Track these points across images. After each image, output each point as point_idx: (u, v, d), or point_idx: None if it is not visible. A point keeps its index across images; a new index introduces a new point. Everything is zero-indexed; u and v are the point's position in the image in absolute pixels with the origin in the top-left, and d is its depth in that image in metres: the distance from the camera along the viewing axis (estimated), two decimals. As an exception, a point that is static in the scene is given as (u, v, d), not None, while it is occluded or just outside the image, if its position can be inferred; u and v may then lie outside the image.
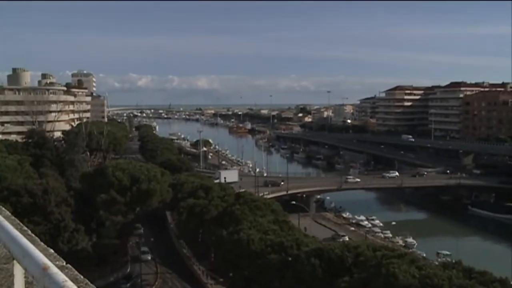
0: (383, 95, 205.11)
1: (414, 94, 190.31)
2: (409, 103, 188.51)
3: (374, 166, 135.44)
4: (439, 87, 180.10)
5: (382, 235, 77.60)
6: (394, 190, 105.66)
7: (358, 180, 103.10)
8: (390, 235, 77.07)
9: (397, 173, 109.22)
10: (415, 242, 72.94)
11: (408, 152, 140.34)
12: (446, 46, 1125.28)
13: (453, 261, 35.11)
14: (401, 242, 73.21)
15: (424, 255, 61.89)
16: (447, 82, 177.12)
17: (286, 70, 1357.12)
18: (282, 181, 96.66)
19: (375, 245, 40.17)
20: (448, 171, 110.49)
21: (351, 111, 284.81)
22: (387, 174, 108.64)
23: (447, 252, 65.70)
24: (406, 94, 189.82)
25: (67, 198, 48.89)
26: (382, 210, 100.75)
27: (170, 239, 64.76)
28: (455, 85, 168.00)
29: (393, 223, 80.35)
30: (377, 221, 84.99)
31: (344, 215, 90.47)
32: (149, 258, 56.37)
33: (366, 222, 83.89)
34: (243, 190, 71.90)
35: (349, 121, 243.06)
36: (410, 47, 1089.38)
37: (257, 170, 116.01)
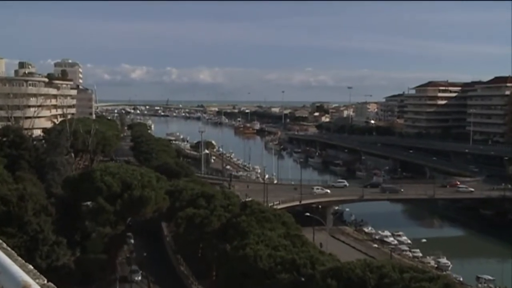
0: (413, 91, 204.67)
1: (450, 91, 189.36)
2: (443, 102, 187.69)
3: (401, 174, 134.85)
4: (480, 82, 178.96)
5: (411, 254, 77.27)
6: (425, 202, 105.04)
7: (402, 190, 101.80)
8: (420, 254, 76.68)
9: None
10: (449, 263, 72.43)
11: (441, 158, 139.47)
12: (490, 34, 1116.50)
13: (497, 287, 34.66)
14: (433, 263, 72.73)
15: (461, 279, 61.51)
16: (490, 77, 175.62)
17: (301, 62, 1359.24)
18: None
19: (402, 265, 39.76)
20: (489, 181, 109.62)
21: (375, 110, 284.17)
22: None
23: (490, 277, 65.06)
24: (440, 91, 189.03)
25: (47, 206, 48.84)
26: (410, 225, 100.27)
27: (165, 254, 64.66)
28: (500, 81, 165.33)
29: (424, 240, 79.86)
30: (404, 238, 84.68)
31: (366, 229, 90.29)
32: (139, 278, 56.25)
33: (391, 239, 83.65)
34: (250, 199, 71.86)
35: (372, 121, 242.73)
36: (446, 35, 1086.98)
37: (266, 176, 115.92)
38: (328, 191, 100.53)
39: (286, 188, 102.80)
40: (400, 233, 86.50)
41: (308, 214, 75.73)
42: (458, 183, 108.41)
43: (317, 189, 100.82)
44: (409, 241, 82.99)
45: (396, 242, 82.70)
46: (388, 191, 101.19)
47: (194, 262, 56.97)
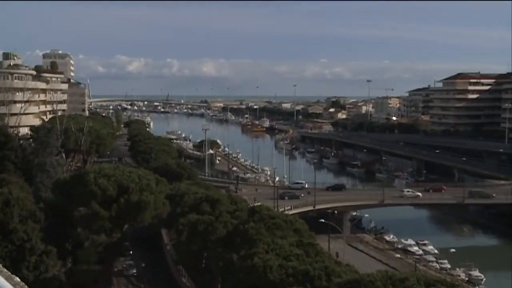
0: (439, 85, 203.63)
1: (482, 84, 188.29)
2: (474, 96, 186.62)
3: (426, 176, 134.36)
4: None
5: (438, 266, 76.92)
6: (454, 208, 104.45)
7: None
8: (449, 266, 76.32)
9: None
10: (482, 276, 72.04)
11: (472, 158, 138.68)
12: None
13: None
14: (463, 276, 72.40)
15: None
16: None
17: (315, 53, 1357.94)
18: (308, 192, 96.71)
19: (428, 278, 39.46)
20: None
21: (397, 105, 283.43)
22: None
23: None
24: (470, 83, 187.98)
25: (35, 211, 48.95)
26: (437, 233, 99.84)
27: (166, 265, 64.77)
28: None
29: (453, 250, 79.43)
30: (430, 247, 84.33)
31: (387, 237, 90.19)
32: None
33: (416, 248, 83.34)
34: (258, 203, 71.75)
35: (394, 118, 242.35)
36: (478, 21, 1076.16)
37: (277, 179, 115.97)
38: (420, 194, 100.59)
39: (299, 191, 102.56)
40: (426, 242, 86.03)
41: (322, 220, 75.52)
42: (445, 187, 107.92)
43: (408, 191, 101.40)
44: (436, 251, 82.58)
45: (421, 252, 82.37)
46: (476, 196, 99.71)
47: (197, 274, 57.00)
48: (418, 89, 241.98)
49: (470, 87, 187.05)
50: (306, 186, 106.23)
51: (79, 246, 53.90)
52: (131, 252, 66.26)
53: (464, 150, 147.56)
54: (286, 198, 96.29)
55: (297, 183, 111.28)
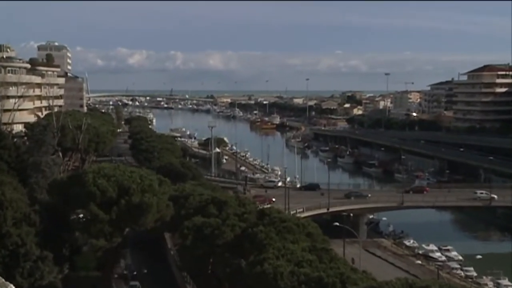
0: (464, 78, 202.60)
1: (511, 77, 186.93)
2: (503, 89, 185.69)
3: (449, 177, 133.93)
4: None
5: (462, 273, 76.78)
6: (480, 211, 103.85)
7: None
8: (475, 274, 76.11)
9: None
10: (512, 284, 71.71)
11: (500, 157, 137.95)
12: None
13: None
14: (491, 285, 72.29)
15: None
16: None
17: (329, 44, 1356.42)
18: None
19: (452, 286, 39.43)
20: None
21: (418, 100, 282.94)
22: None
23: None
24: (498, 76, 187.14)
25: (29, 214, 49.18)
26: (461, 238, 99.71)
27: (169, 271, 64.92)
28: None
29: (479, 256, 78.92)
30: (454, 253, 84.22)
31: (406, 242, 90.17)
32: None
33: (438, 254, 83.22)
34: (268, 206, 71.77)
35: (414, 114, 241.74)
36: (507, 8, 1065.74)
37: (288, 179, 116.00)
38: (495, 196, 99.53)
39: (311, 193, 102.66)
40: (449, 247, 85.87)
41: (337, 224, 75.55)
42: (427, 189, 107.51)
43: (481, 193, 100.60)
44: (460, 257, 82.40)
45: (444, 258, 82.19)
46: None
47: (202, 280, 57.04)
48: (441, 83, 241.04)
49: (498, 80, 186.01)
50: (280, 184, 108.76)
51: (77, 251, 54.14)
52: (131, 258, 66.47)
53: (491, 148, 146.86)
54: (352, 198, 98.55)
55: (271, 181, 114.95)
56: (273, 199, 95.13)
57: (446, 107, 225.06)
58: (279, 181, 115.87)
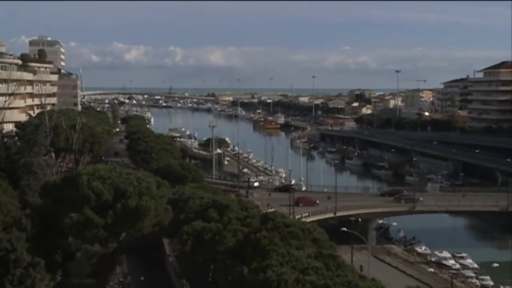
0: (480, 75, 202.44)
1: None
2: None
3: (464, 180, 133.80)
4: None
5: (478, 282, 76.58)
6: (497, 216, 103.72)
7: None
8: (491, 283, 75.92)
9: None
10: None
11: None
12: None
13: None
14: (508, 294, 72.01)
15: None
16: None
17: (336, 39, 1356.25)
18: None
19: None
20: None
21: (431, 99, 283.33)
22: None
23: None
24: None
25: (20, 218, 49.23)
26: (477, 245, 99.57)
27: (168, 279, 64.92)
28: None
29: (495, 264, 79.12)
30: (469, 261, 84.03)
31: (418, 249, 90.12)
32: None
33: (452, 262, 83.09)
34: (272, 210, 71.76)
35: (427, 113, 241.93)
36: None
37: (293, 181, 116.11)
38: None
39: (318, 196, 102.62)
40: (464, 254, 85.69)
41: (345, 229, 75.48)
42: (405, 191, 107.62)
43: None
44: (475, 265, 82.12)
45: (458, 266, 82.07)
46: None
47: (203, 288, 57.11)
48: (455, 80, 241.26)
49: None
50: (256, 184, 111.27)
51: (70, 257, 54.17)
52: (127, 265, 66.54)
53: (508, 150, 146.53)
54: (403, 201, 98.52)
55: (244, 181, 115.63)
56: (317, 202, 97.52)
57: (461, 106, 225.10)
58: (255, 181, 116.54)
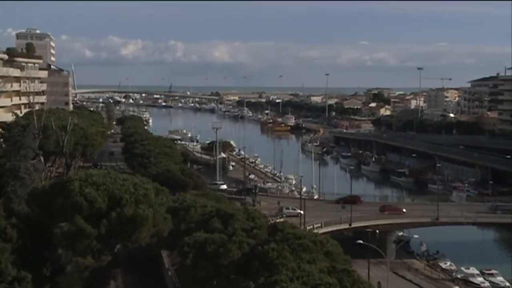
0: (511, 73, 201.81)
1: None
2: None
3: (493, 188, 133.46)
4: None
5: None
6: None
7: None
8: (525, 303, 75.68)
9: None
10: None
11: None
12: None
13: None
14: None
15: None
16: None
17: (352, 34, 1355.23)
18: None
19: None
20: None
21: (456, 99, 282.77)
22: None
23: None
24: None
25: (5, 228, 49.36)
26: (508, 260, 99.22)
27: (166, 295, 65.01)
28: None
29: (530, 282, 78.95)
30: (500, 278, 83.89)
31: (442, 264, 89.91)
32: None
33: (480, 279, 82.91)
34: (281, 220, 71.68)
35: (452, 115, 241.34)
36: None
37: (304, 189, 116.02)
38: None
39: (331, 206, 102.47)
40: (494, 271, 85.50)
41: (361, 241, 75.37)
42: (361, 199, 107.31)
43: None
44: (507, 284, 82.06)
45: (487, 284, 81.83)
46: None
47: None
48: (484, 79, 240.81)
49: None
50: (224, 187, 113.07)
51: (60, 271, 54.27)
52: (121, 279, 66.60)
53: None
54: (499, 212, 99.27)
55: (213, 183, 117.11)
56: (404, 210, 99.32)
57: (490, 107, 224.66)
58: (222, 183, 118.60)
